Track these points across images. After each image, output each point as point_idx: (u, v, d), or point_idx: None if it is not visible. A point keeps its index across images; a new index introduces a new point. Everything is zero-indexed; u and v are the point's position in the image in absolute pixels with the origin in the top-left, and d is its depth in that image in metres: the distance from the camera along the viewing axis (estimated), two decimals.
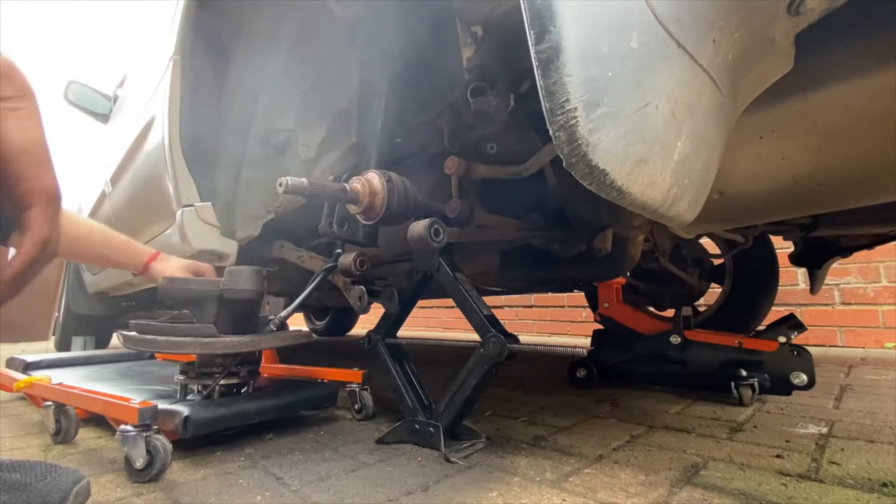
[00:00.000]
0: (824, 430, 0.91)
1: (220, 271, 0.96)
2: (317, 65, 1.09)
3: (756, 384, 1.13)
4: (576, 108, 0.39)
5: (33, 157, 0.41)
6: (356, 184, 0.79)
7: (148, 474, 0.69)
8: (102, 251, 1.01)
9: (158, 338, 0.84)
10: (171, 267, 1.02)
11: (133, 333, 0.87)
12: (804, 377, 1.11)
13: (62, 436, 0.91)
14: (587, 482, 0.67)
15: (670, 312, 1.75)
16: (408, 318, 1.03)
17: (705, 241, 1.75)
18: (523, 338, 0.97)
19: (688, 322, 1.30)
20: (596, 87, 0.40)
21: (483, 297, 0.88)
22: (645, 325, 1.41)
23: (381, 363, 0.95)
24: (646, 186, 0.44)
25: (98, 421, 1.01)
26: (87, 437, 0.95)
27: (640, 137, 0.42)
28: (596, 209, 1.01)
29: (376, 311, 0.96)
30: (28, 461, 0.54)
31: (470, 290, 0.86)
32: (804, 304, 2.53)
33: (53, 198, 0.43)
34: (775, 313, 1.55)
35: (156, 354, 1.59)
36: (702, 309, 1.92)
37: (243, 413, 0.88)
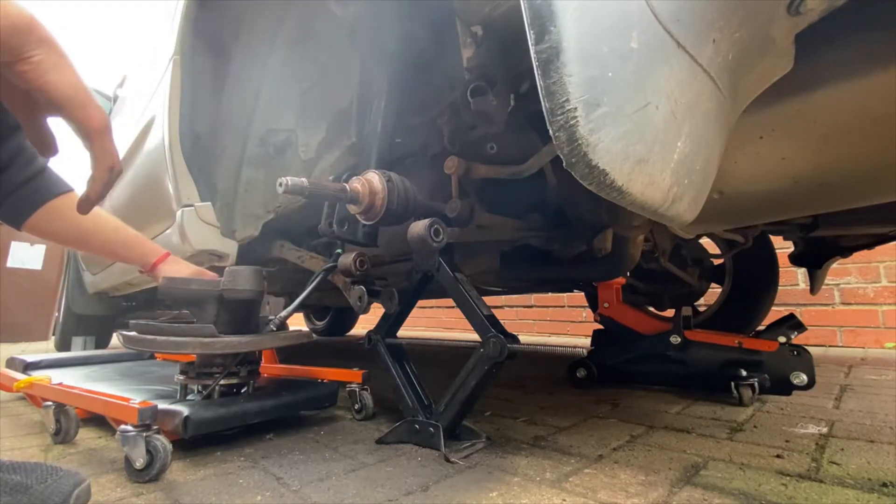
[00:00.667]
0: (824, 430, 0.91)
1: (220, 271, 0.96)
2: (317, 65, 1.09)
3: (756, 384, 1.13)
4: (576, 108, 0.39)
5: (77, 100, 0.48)
6: (356, 184, 0.79)
7: (148, 474, 0.69)
8: (113, 246, 1.00)
9: (158, 338, 0.84)
10: (180, 271, 1.02)
11: (133, 333, 0.87)
12: (804, 377, 1.11)
13: (62, 436, 0.91)
14: (587, 482, 0.67)
15: (670, 312, 1.75)
16: (408, 318, 1.03)
17: (705, 241, 1.75)
18: (523, 338, 0.97)
19: (688, 322, 1.30)
20: (596, 87, 0.40)
21: (483, 297, 0.88)
22: (645, 325, 1.41)
23: (381, 363, 0.95)
24: (646, 186, 0.44)
25: (98, 421, 1.01)
26: (87, 437, 0.95)
27: (640, 137, 0.42)
28: (596, 209, 1.01)
29: (376, 311, 0.96)
30: (29, 462, 0.54)
31: (470, 290, 0.86)
32: (804, 304, 2.53)
33: (103, 130, 0.51)
34: (775, 313, 1.55)
35: (156, 354, 1.59)
36: (702, 309, 1.92)
37: (243, 413, 0.88)
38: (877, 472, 0.69)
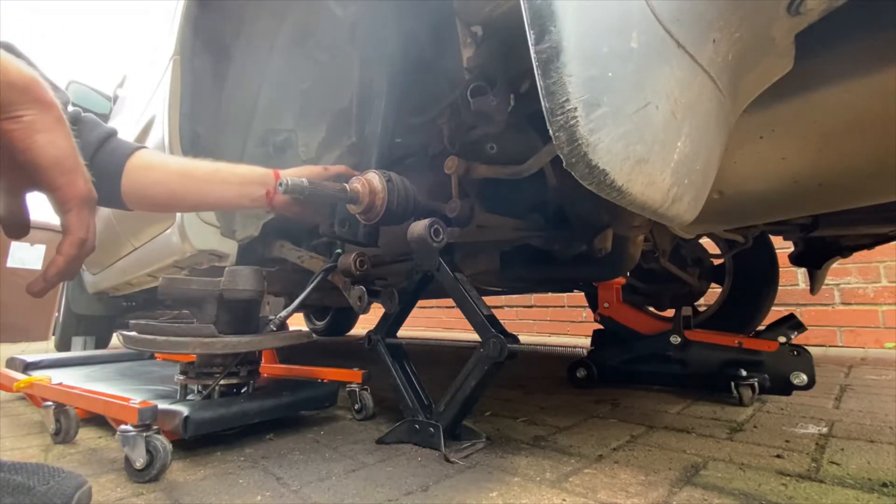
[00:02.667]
0: (824, 430, 0.91)
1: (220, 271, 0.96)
2: (317, 65, 1.09)
3: (756, 384, 1.13)
4: (576, 108, 0.39)
5: (63, 167, 0.45)
6: (356, 184, 0.79)
7: (148, 474, 0.69)
8: (222, 182, 0.81)
9: (158, 338, 0.84)
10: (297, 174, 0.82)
11: (133, 333, 0.87)
12: (804, 377, 1.11)
13: (62, 436, 0.91)
14: (587, 482, 0.67)
15: (670, 312, 1.75)
16: (408, 318, 1.03)
17: (705, 241, 1.75)
18: (523, 338, 0.97)
19: (688, 322, 1.30)
20: (596, 87, 0.40)
21: (483, 297, 0.88)
22: (645, 325, 1.41)
23: (381, 363, 0.95)
24: (646, 186, 0.44)
25: (98, 421, 1.01)
26: (87, 437, 0.95)
27: (640, 137, 0.42)
28: (596, 209, 1.01)
29: (376, 311, 0.96)
30: (31, 463, 0.54)
31: (470, 290, 0.86)
32: (804, 304, 2.54)
33: (85, 201, 0.47)
34: (775, 313, 1.55)
35: (156, 354, 1.59)
36: (702, 309, 1.92)
37: (243, 413, 0.88)
38: (877, 472, 0.69)
